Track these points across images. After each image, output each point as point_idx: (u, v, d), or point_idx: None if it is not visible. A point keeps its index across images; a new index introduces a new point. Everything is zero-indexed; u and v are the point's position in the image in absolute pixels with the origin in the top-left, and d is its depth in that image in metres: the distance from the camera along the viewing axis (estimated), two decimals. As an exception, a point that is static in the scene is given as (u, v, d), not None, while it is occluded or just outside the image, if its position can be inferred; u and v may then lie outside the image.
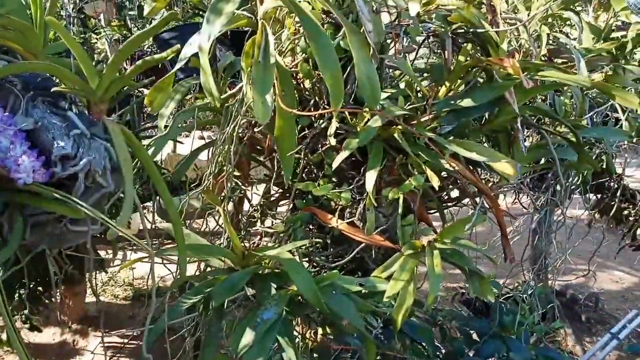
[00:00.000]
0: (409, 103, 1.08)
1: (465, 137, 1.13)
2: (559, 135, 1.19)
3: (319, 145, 1.16)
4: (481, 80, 1.13)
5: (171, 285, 0.99)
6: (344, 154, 1.02)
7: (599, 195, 4.02)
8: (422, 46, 1.21)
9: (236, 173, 1.33)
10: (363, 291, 1.03)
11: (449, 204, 1.34)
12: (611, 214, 3.96)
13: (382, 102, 1.07)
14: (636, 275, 5.19)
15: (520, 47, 1.68)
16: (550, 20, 1.79)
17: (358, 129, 1.01)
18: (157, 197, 1.49)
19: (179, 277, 0.98)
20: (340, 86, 0.88)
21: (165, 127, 1.28)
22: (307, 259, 1.32)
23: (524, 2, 1.83)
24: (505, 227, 1.21)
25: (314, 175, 1.27)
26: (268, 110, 0.81)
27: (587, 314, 4.72)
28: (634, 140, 2.33)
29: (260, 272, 1.04)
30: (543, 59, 1.96)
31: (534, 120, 1.39)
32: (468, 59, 1.08)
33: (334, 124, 0.98)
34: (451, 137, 1.13)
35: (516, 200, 2.77)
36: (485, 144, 1.37)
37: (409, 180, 1.11)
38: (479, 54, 1.15)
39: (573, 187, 2.69)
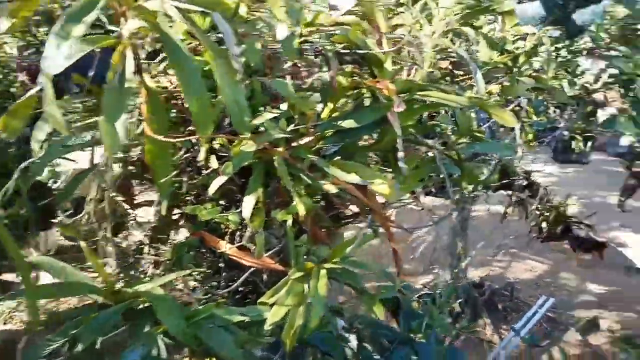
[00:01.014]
0: (293, 124, 1.06)
1: (352, 157, 1.12)
2: (444, 152, 1.23)
3: (204, 168, 1.11)
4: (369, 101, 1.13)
5: (24, 331, 0.90)
6: (221, 179, 0.98)
7: (509, 193, 4.27)
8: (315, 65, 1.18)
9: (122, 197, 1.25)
10: (246, 320, 1.00)
11: (346, 221, 1.34)
12: (519, 209, 4.22)
13: (264, 124, 1.04)
14: (547, 263, 5.59)
15: (417, 62, 1.72)
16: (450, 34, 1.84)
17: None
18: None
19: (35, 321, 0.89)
20: (207, 113, 0.84)
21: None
22: (200, 285, 1.26)
23: (427, 16, 1.87)
24: (395, 242, 1.23)
25: (203, 198, 1.22)
26: (117, 139, 0.75)
27: (504, 303, 5.02)
28: (531, 144, 2.49)
29: (135, 307, 0.97)
30: (447, 71, 2.03)
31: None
32: (350, 80, 1.07)
33: (203, 151, 0.94)
34: (338, 157, 1.13)
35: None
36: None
37: (296, 202, 1.09)
38: (366, 75, 1.15)
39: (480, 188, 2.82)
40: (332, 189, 1.01)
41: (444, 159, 1.24)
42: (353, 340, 1.88)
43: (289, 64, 1.05)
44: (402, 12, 2.05)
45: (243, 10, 1.00)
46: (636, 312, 4.71)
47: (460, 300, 4.73)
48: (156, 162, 0.97)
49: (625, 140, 3.11)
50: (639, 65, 2.40)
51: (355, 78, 1.18)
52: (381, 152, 1.18)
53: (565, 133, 3.32)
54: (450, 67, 1.93)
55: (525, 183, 4.22)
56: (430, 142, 1.28)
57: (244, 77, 0.87)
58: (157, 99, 0.93)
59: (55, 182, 1.96)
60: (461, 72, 1.99)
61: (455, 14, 1.77)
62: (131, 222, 1.35)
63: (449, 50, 1.78)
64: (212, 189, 0.99)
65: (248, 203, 0.98)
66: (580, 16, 2.60)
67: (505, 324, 4.79)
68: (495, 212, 4.65)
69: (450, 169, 1.24)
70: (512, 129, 2.76)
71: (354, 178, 0.99)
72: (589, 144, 3.27)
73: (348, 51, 1.11)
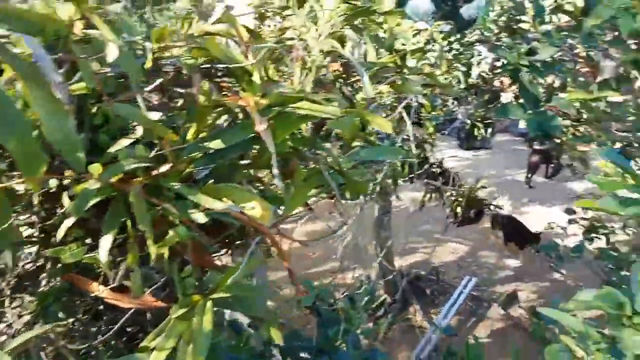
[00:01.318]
0: (156, 149, 0.96)
1: (226, 178, 1.05)
2: (326, 164, 1.19)
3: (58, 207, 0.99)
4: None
5: None
6: (69, 221, 0.86)
7: (426, 181, 4.40)
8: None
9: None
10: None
11: (235, 244, 1.26)
12: (437, 196, 4.37)
13: (120, 153, 0.93)
14: (467, 244, 5.88)
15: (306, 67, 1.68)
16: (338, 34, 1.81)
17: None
18: None
19: None
20: (32, 155, 0.72)
21: None
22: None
23: (312, 19, 1.84)
24: (288, 261, 1.17)
25: (69, 237, 1.09)
26: None
27: (431, 287, 5.20)
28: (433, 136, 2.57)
29: None
30: (339, 73, 2.01)
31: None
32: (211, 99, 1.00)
33: (36, 197, 0.82)
34: (211, 180, 1.05)
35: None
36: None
37: (171, 232, 1.00)
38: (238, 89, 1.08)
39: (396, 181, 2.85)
40: (201, 218, 0.93)
41: (331, 169, 1.20)
42: (277, 355, 1.82)
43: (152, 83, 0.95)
44: (289, 15, 2.00)
45: (78, 29, 0.88)
46: (549, 280, 5.08)
47: (386, 293, 4.84)
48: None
49: (522, 123, 3.29)
50: (522, 56, 2.53)
51: (223, 94, 1.10)
52: (260, 168, 1.12)
53: (468, 121, 3.46)
54: (341, 69, 1.92)
55: (438, 171, 4.38)
56: (318, 152, 1.23)
57: (72, 106, 0.76)
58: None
59: None
60: (353, 73, 1.98)
61: (339, 16, 1.75)
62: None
63: (337, 52, 1.76)
64: (60, 233, 0.87)
65: (104, 244, 0.88)
66: (466, 10, 2.71)
67: (433, 307, 4.98)
68: (411, 201, 4.78)
69: (338, 178, 1.20)
70: (419, 124, 2.82)
71: (221, 205, 0.91)
72: (490, 130, 3.44)
73: (208, 66, 1.03)
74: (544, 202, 6.62)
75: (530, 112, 2.59)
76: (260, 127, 0.87)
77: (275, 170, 0.98)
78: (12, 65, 0.74)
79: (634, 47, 2.46)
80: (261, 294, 1.11)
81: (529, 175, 5.26)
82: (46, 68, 0.71)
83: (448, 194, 4.35)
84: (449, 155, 4.41)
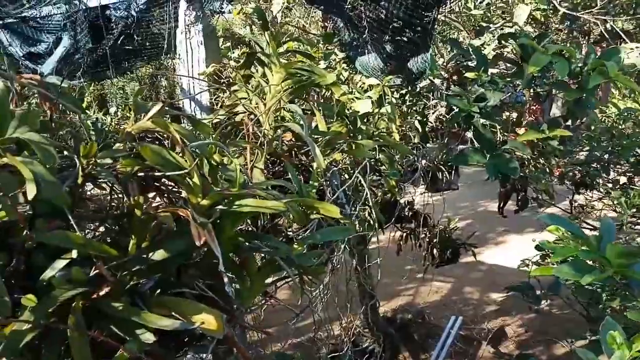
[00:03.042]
0: (94, 267, 0.93)
1: (174, 286, 1.02)
2: (277, 253, 1.17)
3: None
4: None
5: None
6: (2, 364, 0.81)
7: (398, 225, 4.42)
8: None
9: None
10: None
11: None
12: (408, 238, 4.38)
13: (54, 279, 0.89)
14: (449, 281, 5.85)
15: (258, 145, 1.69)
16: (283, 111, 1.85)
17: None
18: None
19: None
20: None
21: None
22: None
23: (260, 94, 1.88)
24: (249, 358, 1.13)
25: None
26: None
27: (419, 331, 5.11)
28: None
29: None
30: (291, 142, 2.03)
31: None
32: (152, 208, 0.98)
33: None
34: (159, 291, 1.01)
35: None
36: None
37: (121, 350, 0.95)
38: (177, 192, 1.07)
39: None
40: (151, 338, 0.89)
41: (285, 255, 1.18)
42: None
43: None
44: (237, 90, 2.04)
45: None
46: (534, 311, 5.05)
47: (377, 341, 4.73)
48: None
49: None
50: (471, 103, 2.62)
51: (169, 200, 1.09)
52: (208, 272, 1.09)
53: (431, 165, 3.53)
54: (294, 139, 1.94)
55: (410, 214, 4.41)
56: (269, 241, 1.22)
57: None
58: None
59: None
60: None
61: (284, 90, 1.79)
62: None
63: (286, 125, 1.79)
64: (-9, 377, 0.82)
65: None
66: (414, 64, 2.82)
67: (423, 352, 4.87)
68: (393, 240, 4.79)
69: (292, 266, 1.19)
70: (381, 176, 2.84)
71: (170, 323, 0.88)
72: (453, 172, 3.50)
73: (142, 174, 1.02)
74: (519, 231, 6.71)
75: (488, 156, 2.66)
76: (199, 241, 0.85)
77: (221, 267, 0.96)
78: None
79: (574, 86, 2.59)
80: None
81: (501, 205, 5.33)
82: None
83: (423, 235, 4.36)
84: (418, 196, 4.45)
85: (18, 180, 0.84)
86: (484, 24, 3.92)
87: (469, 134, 4.34)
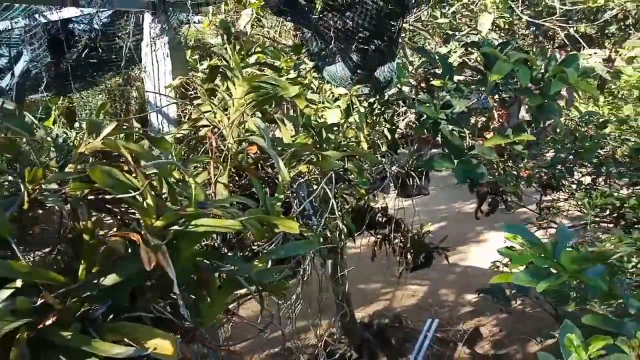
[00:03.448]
0: (41, 296, 0.90)
1: (127, 310, 0.99)
2: (237, 272, 1.17)
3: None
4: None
5: None
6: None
7: (372, 231, 4.44)
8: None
9: None
10: None
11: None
12: (382, 244, 4.40)
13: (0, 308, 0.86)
14: (425, 284, 5.91)
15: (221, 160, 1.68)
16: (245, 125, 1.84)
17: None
18: None
19: None
20: None
21: None
22: None
23: (223, 107, 1.87)
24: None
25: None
26: None
27: (396, 335, 5.13)
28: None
29: None
30: (257, 154, 2.02)
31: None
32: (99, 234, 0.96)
33: None
34: (112, 315, 0.99)
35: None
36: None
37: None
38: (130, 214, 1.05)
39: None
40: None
41: (245, 274, 1.18)
42: None
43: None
44: (200, 104, 2.02)
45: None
46: (508, 311, 5.14)
47: (351, 349, 4.73)
48: None
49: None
50: (438, 110, 2.66)
51: (122, 222, 1.07)
52: (165, 292, 1.08)
53: (402, 171, 3.56)
54: (259, 152, 1.93)
55: (384, 219, 4.43)
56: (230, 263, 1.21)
57: None
58: None
59: None
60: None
61: (248, 103, 1.78)
62: None
63: (249, 138, 1.78)
64: None
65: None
66: (380, 73, 2.84)
67: (401, 356, 4.90)
68: (367, 246, 4.81)
69: (253, 283, 1.18)
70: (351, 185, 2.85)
71: (123, 350, 0.86)
72: (423, 178, 3.55)
73: (92, 197, 1.00)
74: (493, 229, 6.82)
75: (456, 162, 2.70)
76: (149, 266, 0.84)
77: (179, 300, 0.94)
78: None
79: (536, 92, 2.65)
80: None
81: (479, 207, 5.35)
82: None
83: (397, 241, 4.39)
84: (391, 202, 4.48)
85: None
86: (450, 32, 4.00)
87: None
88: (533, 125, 3.00)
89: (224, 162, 1.70)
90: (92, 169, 0.98)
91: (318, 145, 1.98)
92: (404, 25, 2.99)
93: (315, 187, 2.10)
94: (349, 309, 4.58)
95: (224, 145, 1.83)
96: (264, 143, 1.66)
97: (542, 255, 1.23)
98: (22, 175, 0.92)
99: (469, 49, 3.26)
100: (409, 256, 4.20)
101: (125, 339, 0.91)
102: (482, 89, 2.71)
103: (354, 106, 2.69)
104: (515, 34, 5.38)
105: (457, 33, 3.97)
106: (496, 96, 3.15)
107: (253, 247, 1.63)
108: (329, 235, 2.27)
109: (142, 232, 0.92)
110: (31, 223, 0.95)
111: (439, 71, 3.48)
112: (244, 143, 1.85)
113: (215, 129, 1.86)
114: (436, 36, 3.93)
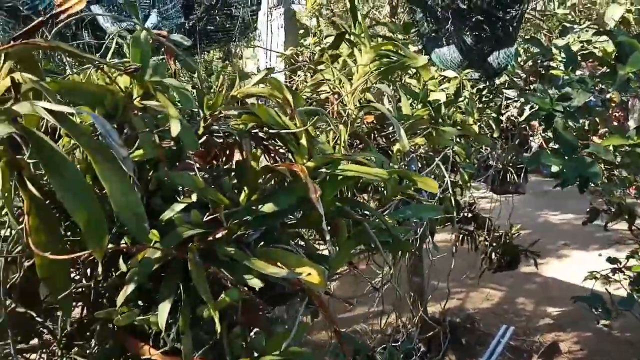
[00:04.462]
0: (208, 213, 0.98)
1: (277, 240, 1.05)
2: (373, 222, 1.19)
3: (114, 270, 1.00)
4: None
5: None
6: (128, 288, 0.88)
7: (458, 225, 4.32)
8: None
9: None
10: None
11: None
12: (467, 240, 4.28)
13: (175, 217, 0.95)
14: (502, 290, 5.67)
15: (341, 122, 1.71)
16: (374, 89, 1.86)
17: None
18: None
19: None
20: (97, 226, 0.75)
21: None
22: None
23: (346, 74, 1.90)
24: (337, 324, 1.15)
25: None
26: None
27: (467, 336, 4.99)
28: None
29: None
30: (372, 124, 2.04)
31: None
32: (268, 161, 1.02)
33: (100, 266, 0.84)
34: (262, 243, 1.06)
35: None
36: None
37: (222, 296, 1.01)
38: (283, 151, 1.11)
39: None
40: (257, 283, 0.93)
41: (376, 227, 1.20)
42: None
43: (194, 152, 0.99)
44: (322, 70, 2.07)
45: (136, 100, 0.93)
46: (592, 329, 4.82)
47: (423, 341, 4.67)
48: (50, 277, 0.85)
49: (554, 168, 3.24)
50: (554, 101, 2.53)
51: (272, 157, 1.13)
52: (310, 229, 1.13)
53: (500, 166, 3.43)
54: (375, 121, 1.95)
55: (470, 215, 4.30)
56: (359, 210, 1.24)
57: (135, 179, 0.79)
58: (45, 208, 0.83)
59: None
60: (389, 125, 2.01)
61: (372, 71, 1.80)
62: (40, 330, 1.19)
63: (372, 105, 1.80)
64: (120, 299, 0.89)
65: (162, 310, 0.89)
66: (495, 58, 2.75)
67: (470, 358, 4.76)
68: (447, 244, 4.70)
69: (384, 236, 1.20)
70: (454, 171, 2.80)
71: (277, 270, 0.92)
72: (522, 175, 3.39)
73: (259, 130, 1.07)
74: (582, 246, 6.39)
75: (566, 158, 2.56)
76: (314, 195, 0.88)
77: (327, 235, 0.99)
78: (81, 142, 0.79)
79: (670, 91, 2.43)
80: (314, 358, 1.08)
81: (589, 218, 4.93)
82: (113, 143, 0.74)
83: (481, 239, 4.25)
84: (479, 196, 4.34)
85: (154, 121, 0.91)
86: (568, 24, 3.76)
87: (536, 141, 4.17)
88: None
89: (344, 126, 1.73)
90: (258, 106, 1.04)
91: (433, 122, 1.96)
92: (525, 10, 2.85)
93: (424, 164, 2.08)
94: (421, 301, 4.52)
95: (344, 110, 1.86)
96: (386, 110, 1.67)
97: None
98: (201, 101, 1.00)
99: (592, 40, 3.05)
100: (493, 256, 4.06)
101: (278, 264, 0.97)
102: (608, 82, 2.53)
103: (464, 90, 2.62)
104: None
105: (575, 26, 3.73)
106: (620, 94, 2.92)
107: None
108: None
109: (303, 166, 0.97)
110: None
111: (553, 63, 3.29)
112: (362, 111, 1.88)
113: (337, 95, 1.90)
114: (550, 28, 3.71)
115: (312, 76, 2.26)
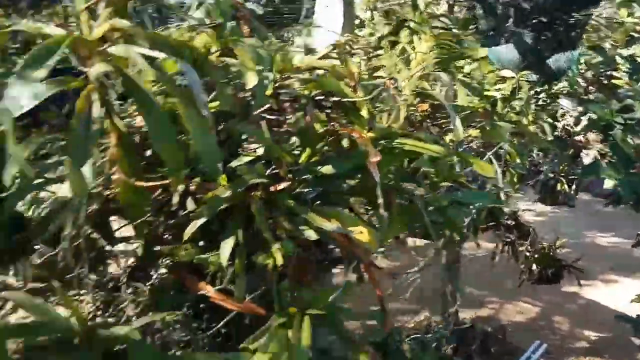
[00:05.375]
0: (270, 169, 1.05)
1: (332, 201, 1.11)
2: (426, 201, 1.22)
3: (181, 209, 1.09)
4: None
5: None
6: (196, 223, 0.96)
7: (498, 232, 4.25)
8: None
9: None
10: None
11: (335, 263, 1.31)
12: (509, 249, 4.20)
13: (240, 167, 1.03)
14: (538, 305, 5.50)
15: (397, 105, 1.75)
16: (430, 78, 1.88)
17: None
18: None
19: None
20: (177, 158, 0.83)
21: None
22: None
23: (404, 61, 1.93)
24: (382, 292, 1.19)
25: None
26: (84, 185, 0.73)
27: (496, 346, 4.89)
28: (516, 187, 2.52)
29: (111, 350, 0.92)
30: (427, 113, 2.06)
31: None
32: (329, 126, 1.08)
33: (176, 196, 0.92)
34: (318, 202, 1.11)
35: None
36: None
37: (277, 246, 1.07)
38: (343, 120, 1.16)
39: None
40: (312, 235, 0.99)
41: (427, 205, 1.23)
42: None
43: (263, 108, 1.06)
44: (380, 55, 2.11)
45: (213, 56, 1.01)
46: (630, 358, 4.61)
47: (452, 345, 4.62)
48: (130, 204, 0.95)
49: (608, 184, 3.14)
50: (615, 112, 2.46)
51: (332, 124, 1.19)
52: (363, 197, 1.17)
53: (551, 175, 3.36)
54: (429, 109, 1.97)
55: (513, 224, 4.22)
56: (412, 187, 1.27)
57: (213, 124, 0.87)
58: (129, 141, 0.93)
59: (37, 208, 1.89)
60: (442, 115, 2.02)
61: (431, 59, 1.82)
62: (108, 258, 1.31)
63: (428, 93, 1.82)
64: (187, 233, 0.97)
65: (225, 247, 0.96)
66: (555, 62, 2.69)
67: (498, 369, 4.65)
68: (486, 251, 4.62)
69: (432, 216, 1.23)
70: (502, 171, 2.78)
71: (333, 226, 0.97)
72: (574, 186, 3.30)
73: (323, 97, 1.13)
74: (628, 272, 6.09)
75: (624, 173, 2.48)
76: (375, 158, 0.93)
77: (381, 201, 1.03)
78: (169, 88, 0.87)
79: None
80: (356, 318, 1.13)
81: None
82: (196, 90, 0.82)
83: (522, 249, 4.16)
84: (524, 207, 4.23)
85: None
86: (636, 35, 3.62)
87: (589, 154, 4.03)
88: None
89: (400, 110, 1.76)
90: (322, 76, 1.10)
91: (488, 116, 1.96)
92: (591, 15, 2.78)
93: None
94: (454, 305, 4.47)
95: (399, 96, 1.90)
96: (443, 99, 1.70)
97: None
98: (271, 64, 1.07)
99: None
100: (534, 267, 3.96)
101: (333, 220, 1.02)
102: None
103: (519, 91, 2.59)
104: None
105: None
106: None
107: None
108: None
109: (365, 133, 1.02)
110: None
111: (616, 73, 3.19)
112: (418, 98, 1.90)
113: (393, 80, 1.94)
114: (619, 36, 3.58)
115: (366, 64, 2.31)
